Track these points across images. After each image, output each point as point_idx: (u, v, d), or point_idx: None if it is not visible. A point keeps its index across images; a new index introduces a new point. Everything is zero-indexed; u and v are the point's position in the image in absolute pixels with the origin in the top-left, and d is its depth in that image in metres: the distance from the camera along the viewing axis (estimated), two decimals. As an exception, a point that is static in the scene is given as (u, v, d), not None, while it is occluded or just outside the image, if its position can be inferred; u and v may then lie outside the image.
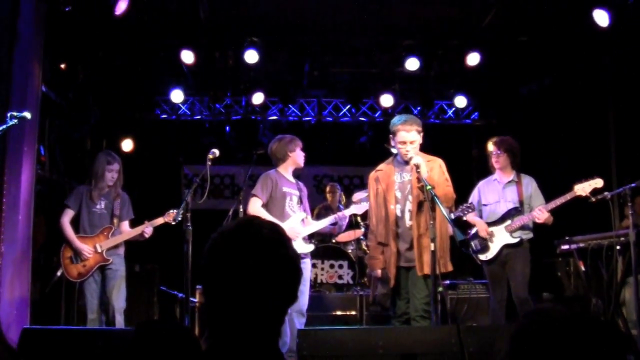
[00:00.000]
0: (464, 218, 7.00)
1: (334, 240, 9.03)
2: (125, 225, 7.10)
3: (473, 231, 7.06)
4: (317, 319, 7.40)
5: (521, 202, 6.91)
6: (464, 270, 8.62)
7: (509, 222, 6.87)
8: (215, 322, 1.84)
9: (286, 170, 6.79)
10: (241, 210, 6.83)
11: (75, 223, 6.93)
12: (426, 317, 5.54)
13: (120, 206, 7.04)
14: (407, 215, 5.81)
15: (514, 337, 1.86)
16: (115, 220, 6.98)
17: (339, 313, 8.04)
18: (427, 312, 5.55)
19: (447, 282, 8.17)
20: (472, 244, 7.05)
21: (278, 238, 1.89)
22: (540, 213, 6.64)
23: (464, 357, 4.56)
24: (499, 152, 7.06)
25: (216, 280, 1.83)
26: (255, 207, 6.58)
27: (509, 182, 7.04)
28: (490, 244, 6.94)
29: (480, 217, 7.10)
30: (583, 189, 6.51)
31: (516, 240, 6.81)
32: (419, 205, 5.68)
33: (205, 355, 1.82)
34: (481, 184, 7.28)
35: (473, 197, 7.24)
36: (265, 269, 1.81)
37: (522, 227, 6.83)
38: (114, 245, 6.88)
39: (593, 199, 6.48)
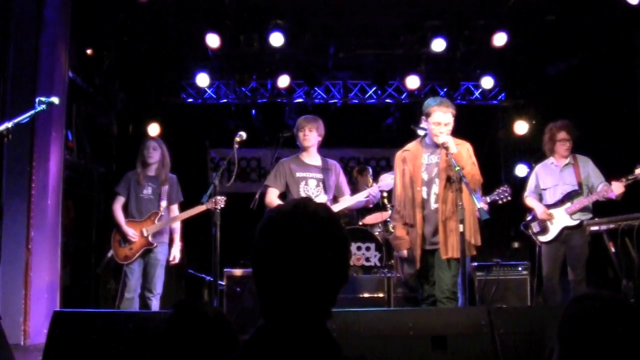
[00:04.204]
0: (527, 203, 7.32)
1: (360, 223, 9.00)
2: (175, 208, 7.26)
3: (532, 214, 7.26)
4: (345, 301, 7.39)
5: (579, 184, 7.03)
6: (492, 252, 8.58)
7: (568, 204, 7.00)
8: (269, 303, 1.84)
9: (305, 153, 6.77)
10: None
11: (125, 208, 7.12)
12: (452, 299, 5.53)
13: (169, 190, 7.16)
14: (432, 198, 5.73)
15: (563, 323, 1.85)
16: (162, 205, 7.09)
17: (366, 295, 8.02)
18: (453, 294, 5.55)
19: (475, 264, 8.13)
20: (532, 225, 7.26)
21: (333, 219, 1.91)
22: (616, 185, 6.71)
23: (494, 339, 4.54)
24: (570, 138, 7.16)
25: (273, 259, 1.83)
26: (271, 197, 6.64)
27: (566, 164, 7.17)
28: (550, 225, 7.10)
29: (540, 200, 7.25)
30: None
31: (576, 222, 6.95)
32: (446, 188, 5.62)
33: (257, 334, 1.82)
34: (538, 168, 7.40)
35: (531, 182, 7.41)
36: (322, 248, 1.83)
37: (582, 209, 6.94)
38: (159, 232, 7.05)
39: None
